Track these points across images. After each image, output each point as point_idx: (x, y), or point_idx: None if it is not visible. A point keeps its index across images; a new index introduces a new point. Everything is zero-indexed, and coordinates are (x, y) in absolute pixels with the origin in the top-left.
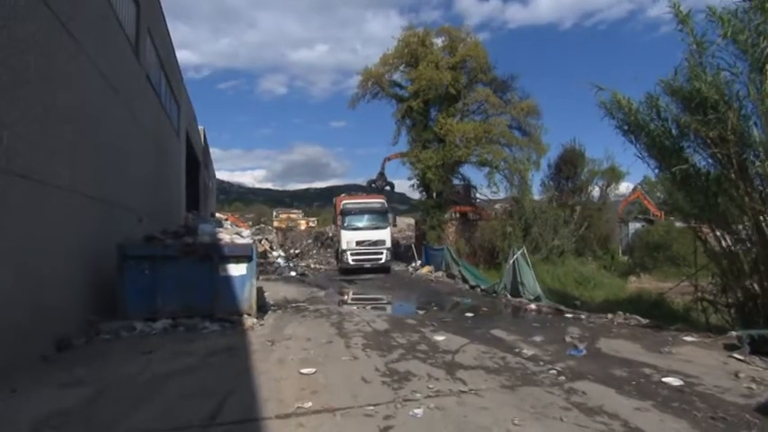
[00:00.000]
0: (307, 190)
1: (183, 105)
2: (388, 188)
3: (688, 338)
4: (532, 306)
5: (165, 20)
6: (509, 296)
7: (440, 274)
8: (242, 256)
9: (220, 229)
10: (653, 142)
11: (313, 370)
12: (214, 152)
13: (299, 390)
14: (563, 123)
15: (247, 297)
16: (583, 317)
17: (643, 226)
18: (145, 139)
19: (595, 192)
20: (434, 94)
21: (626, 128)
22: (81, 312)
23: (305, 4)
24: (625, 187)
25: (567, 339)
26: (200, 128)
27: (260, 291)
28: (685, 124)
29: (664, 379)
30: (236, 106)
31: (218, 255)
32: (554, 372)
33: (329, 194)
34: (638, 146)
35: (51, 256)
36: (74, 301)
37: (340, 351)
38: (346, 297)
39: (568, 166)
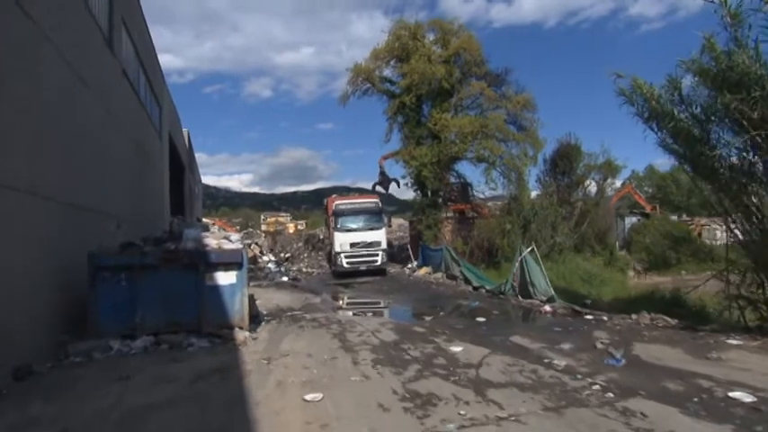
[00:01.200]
0: (294, 193)
1: (165, 107)
2: (394, 185)
3: (732, 341)
4: (547, 308)
5: (142, 14)
6: (520, 297)
7: (439, 275)
8: (231, 263)
9: (206, 234)
10: (677, 129)
11: (319, 396)
12: (200, 157)
13: (304, 424)
14: (551, 120)
15: (238, 308)
16: (605, 318)
17: (639, 220)
18: (124, 140)
19: (592, 187)
20: (427, 89)
21: (646, 115)
22: (47, 333)
23: (289, 8)
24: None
25: (599, 346)
26: (184, 130)
27: (251, 299)
28: (723, 104)
29: (730, 394)
30: (222, 110)
31: (205, 262)
32: (597, 387)
33: (317, 197)
34: (659, 134)
35: (5, 270)
36: (38, 320)
37: (347, 369)
38: (344, 303)
39: (564, 161)
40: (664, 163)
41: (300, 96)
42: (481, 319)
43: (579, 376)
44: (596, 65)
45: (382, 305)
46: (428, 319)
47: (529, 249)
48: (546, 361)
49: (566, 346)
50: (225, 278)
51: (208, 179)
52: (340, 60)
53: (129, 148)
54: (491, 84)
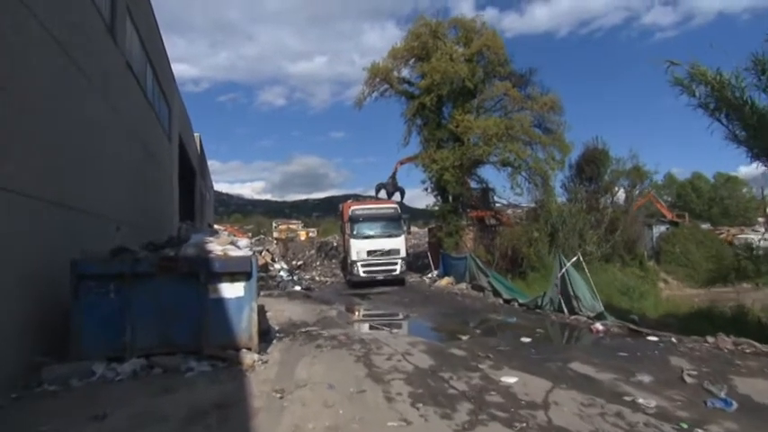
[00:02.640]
0: (306, 201)
1: (175, 108)
2: (398, 195)
3: None
4: (598, 326)
5: (151, 9)
6: (566, 312)
7: (463, 286)
8: (238, 272)
9: (210, 239)
10: (762, 120)
11: None
12: (213, 164)
13: None
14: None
15: (246, 326)
16: (674, 341)
17: (667, 229)
18: (128, 138)
19: (620, 193)
20: (449, 89)
21: (712, 105)
22: (17, 353)
23: (302, 18)
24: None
25: (688, 379)
26: (196, 135)
27: (261, 311)
28: None
29: None
30: (235, 119)
31: (207, 271)
32: None
33: (328, 205)
34: (729, 126)
35: None
36: (8, 339)
37: (380, 408)
38: (364, 317)
39: (591, 167)
40: (682, 171)
41: (313, 105)
42: (526, 340)
43: (685, 425)
44: (610, 74)
45: (407, 320)
46: (464, 338)
47: (574, 259)
48: (628, 399)
49: (644, 379)
50: (231, 290)
51: (221, 186)
52: (353, 70)
53: (133, 147)
54: (515, 84)
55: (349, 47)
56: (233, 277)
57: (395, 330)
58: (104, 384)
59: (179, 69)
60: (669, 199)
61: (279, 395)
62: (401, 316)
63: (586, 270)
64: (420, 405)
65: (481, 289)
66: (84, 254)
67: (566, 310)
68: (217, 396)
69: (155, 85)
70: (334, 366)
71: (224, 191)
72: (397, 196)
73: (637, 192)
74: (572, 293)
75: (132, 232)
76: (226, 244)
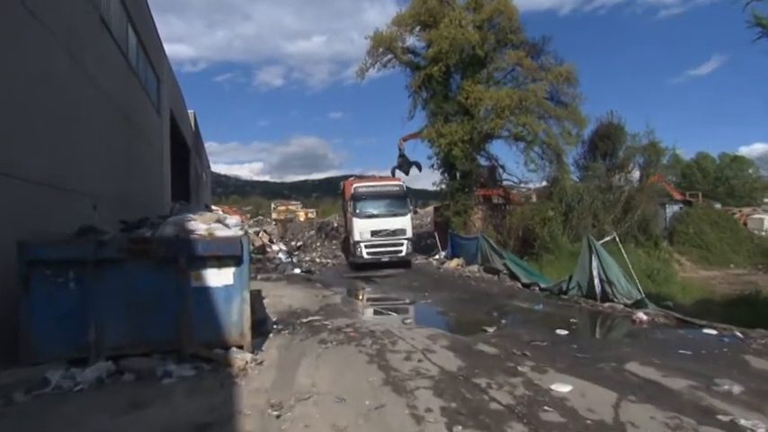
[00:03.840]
0: (305, 181)
1: (165, 81)
2: (414, 169)
3: None
4: (641, 316)
5: None
6: (598, 299)
7: (475, 268)
8: (226, 256)
9: (192, 216)
10: None
11: None
12: (211, 146)
13: None
14: None
15: (236, 320)
16: (739, 335)
17: (681, 208)
18: (106, 106)
19: (635, 171)
20: (458, 58)
21: None
22: None
23: None
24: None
25: None
26: (190, 112)
27: (258, 297)
28: None
29: None
30: (233, 99)
31: (188, 255)
32: None
33: (327, 185)
34: None
35: None
36: None
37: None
38: (371, 304)
39: (606, 143)
40: (686, 150)
41: (312, 85)
42: (562, 332)
43: None
44: (612, 52)
45: (419, 307)
46: (490, 330)
47: (610, 238)
48: (724, 419)
49: (732, 388)
50: (218, 277)
51: (219, 167)
52: (352, 48)
53: (112, 116)
54: (528, 53)
55: (348, 25)
56: (220, 262)
57: (408, 320)
58: (58, 398)
59: (176, 49)
60: (673, 179)
61: (276, 412)
62: (412, 302)
63: (623, 252)
64: (459, 428)
65: (495, 272)
66: (35, 234)
67: (598, 296)
68: (197, 413)
69: (139, 51)
70: (343, 369)
71: (222, 172)
72: (414, 171)
73: (653, 169)
74: (604, 277)
75: (114, 211)
76: (211, 222)
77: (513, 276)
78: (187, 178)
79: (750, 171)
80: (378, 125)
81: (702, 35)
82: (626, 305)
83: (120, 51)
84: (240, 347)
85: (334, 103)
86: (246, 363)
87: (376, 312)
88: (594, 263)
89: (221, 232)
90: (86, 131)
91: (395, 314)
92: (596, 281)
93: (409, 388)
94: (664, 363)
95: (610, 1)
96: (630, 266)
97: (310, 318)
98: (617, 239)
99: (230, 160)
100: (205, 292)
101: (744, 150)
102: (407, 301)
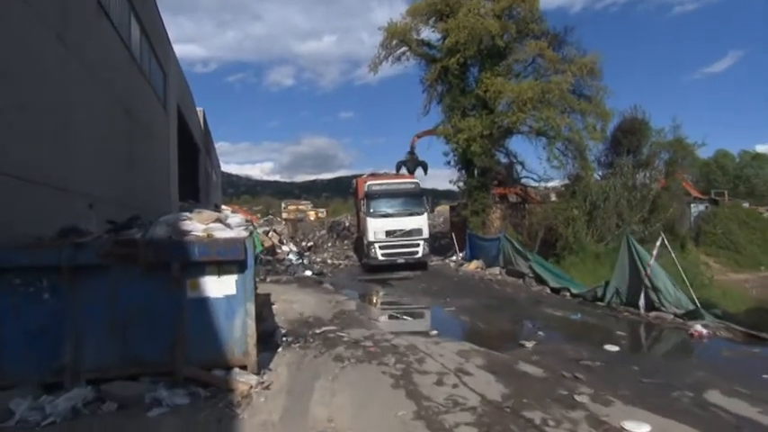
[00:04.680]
0: (314, 181)
1: (171, 74)
2: (420, 170)
3: None
4: (700, 330)
5: None
6: (642, 308)
7: (496, 271)
8: (227, 261)
9: (187, 215)
10: None
11: None
12: (223, 146)
13: None
14: None
15: (239, 336)
16: None
17: (707, 207)
18: (105, 98)
19: (660, 168)
20: (476, 49)
21: None
22: None
23: None
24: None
25: None
26: (199, 109)
27: (267, 303)
28: None
29: None
30: (244, 99)
31: (183, 260)
32: None
33: (337, 185)
34: None
35: None
36: None
37: None
38: (389, 311)
39: (630, 138)
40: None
41: (322, 85)
42: (612, 348)
43: None
44: (624, 50)
45: (443, 316)
46: (528, 345)
47: (659, 242)
48: None
49: None
50: (217, 286)
51: (230, 168)
52: (362, 48)
53: (112, 108)
54: (550, 44)
55: (357, 24)
56: (220, 268)
57: (432, 332)
58: None
59: (187, 50)
60: (689, 177)
61: None
62: (434, 309)
63: (674, 255)
64: None
65: (520, 275)
66: (12, 238)
67: (643, 305)
68: None
69: (143, 42)
70: (365, 397)
71: (233, 172)
72: (419, 171)
73: (679, 167)
74: (649, 284)
75: (114, 212)
76: (210, 221)
77: (540, 280)
78: (196, 177)
79: None
80: (388, 125)
81: (718, 31)
82: (676, 315)
83: (121, 40)
84: (244, 368)
85: (344, 102)
86: (251, 387)
87: (395, 321)
88: (620, 264)
89: (222, 233)
90: (81, 123)
91: (416, 324)
92: (620, 282)
93: (447, 425)
94: (751, 393)
95: None
96: (683, 272)
97: (324, 328)
98: (665, 242)
99: (242, 160)
100: (203, 303)
101: (761, 149)
102: (428, 307)
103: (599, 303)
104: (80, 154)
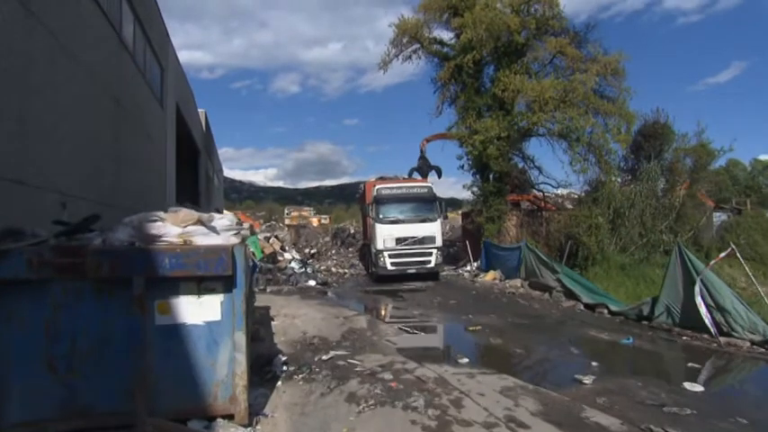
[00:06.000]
0: (318, 188)
1: (170, 70)
2: (434, 174)
3: None
4: None
5: None
6: (714, 333)
7: (518, 283)
8: (209, 276)
9: (160, 215)
10: None
11: None
12: (227, 151)
13: None
14: None
15: (225, 376)
16: None
17: (729, 216)
18: (85, 83)
19: (684, 174)
20: (493, 46)
21: None
22: None
23: (315, 4)
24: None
25: None
26: (201, 111)
27: (265, 319)
28: None
29: None
30: (250, 105)
31: (149, 274)
32: None
33: (340, 192)
34: None
35: None
36: None
37: None
38: (405, 330)
39: (652, 143)
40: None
41: (327, 92)
42: (694, 387)
43: None
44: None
45: (471, 339)
46: (587, 381)
47: (726, 253)
48: None
49: None
50: (196, 310)
51: (234, 173)
52: (367, 56)
53: (96, 96)
54: (571, 42)
55: (362, 32)
56: (200, 285)
57: (463, 359)
58: None
59: (193, 57)
60: (704, 186)
61: None
62: (456, 328)
63: (748, 270)
64: None
65: (545, 288)
66: None
67: (713, 329)
68: None
69: (136, 31)
70: None
71: (237, 177)
72: (433, 176)
73: (703, 173)
74: (712, 303)
75: (106, 212)
76: (189, 223)
77: (571, 295)
78: (196, 180)
79: None
80: (392, 132)
81: (721, 42)
82: (753, 342)
83: (109, 23)
84: (230, 417)
85: (349, 109)
86: None
87: (414, 344)
88: (670, 276)
89: (204, 240)
90: (50, 105)
91: (439, 347)
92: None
93: None
94: None
95: (627, 8)
96: (760, 290)
97: (332, 353)
98: (737, 252)
99: (246, 166)
100: (175, 332)
101: (763, 158)
102: (449, 326)
103: (646, 323)
104: (48, 142)
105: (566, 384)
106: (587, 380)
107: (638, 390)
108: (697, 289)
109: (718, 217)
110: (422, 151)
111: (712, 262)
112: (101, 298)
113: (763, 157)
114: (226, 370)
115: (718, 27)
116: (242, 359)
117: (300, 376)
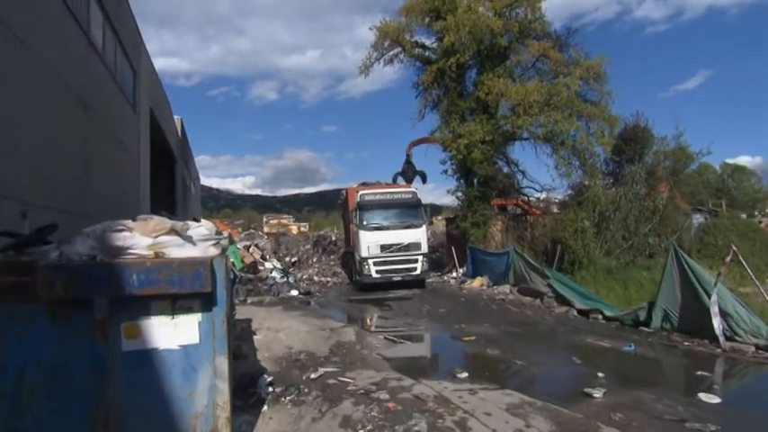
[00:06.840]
0: (297, 195)
1: (143, 74)
2: (418, 180)
3: None
4: None
5: None
6: (720, 338)
7: (506, 289)
8: (185, 293)
9: (128, 224)
10: None
11: None
12: (204, 159)
13: None
14: None
15: (205, 408)
16: None
17: (706, 219)
18: (47, 81)
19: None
20: (476, 49)
21: None
22: None
23: (293, 11)
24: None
25: None
26: (177, 117)
27: (246, 334)
28: None
29: None
30: (227, 113)
31: (113, 293)
32: None
33: (319, 199)
34: None
35: None
36: None
37: None
38: (396, 342)
39: (632, 146)
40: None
41: (305, 99)
42: (710, 399)
43: None
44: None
45: (467, 350)
46: (597, 395)
47: (729, 258)
48: None
49: None
50: (170, 332)
51: (212, 181)
52: (345, 63)
53: (59, 96)
54: (554, 45)
55: (341, 40)
56: (174, 304)
57: (462, 373)
58: None
59: (169, 64)
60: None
61: None
62: (451, 340)
63: (752, 274)
64: None
65: (536, 294)
66: None
67: (721, 335)
68: None
69: (106, 31)
70: None
71: (214, 186)
72: (417, 182)
73: (682, 176)
74: (715, 308)
75: (63, 222)
76: (160, 233)
77: (563, 301)
78: (173, 188)
79: (753, 181)
80: (371, 139)
81: (688, 51)
82: (758, 347)
83: (76, 21)
84: None
85: (327, 116)
86: None
87: (408, 357)
88: (667, 279)
89: (178, 251)
90: (9, 106)
91: (435, 360)
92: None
93: None
94: None
95: (599, 17)
96: (765, 293)
97: (321, 370)
98: (740, 256)
99: (223, 174)
100: (145, 359)
101: (741, 160)
102: (442, 337)
103: (644, 329)
104: (4, 144)
105: (575, 399)
106: (597, 393)
107: (653, 403)
108: (714, 299)
109: (696, 219)
110: (408, 156)
111: (721, 269)
112: (56, 323)
113: (730, 161)
114: (205, 400)
115: (685, 36)
116: (224, 387)
117: (288, 398)
